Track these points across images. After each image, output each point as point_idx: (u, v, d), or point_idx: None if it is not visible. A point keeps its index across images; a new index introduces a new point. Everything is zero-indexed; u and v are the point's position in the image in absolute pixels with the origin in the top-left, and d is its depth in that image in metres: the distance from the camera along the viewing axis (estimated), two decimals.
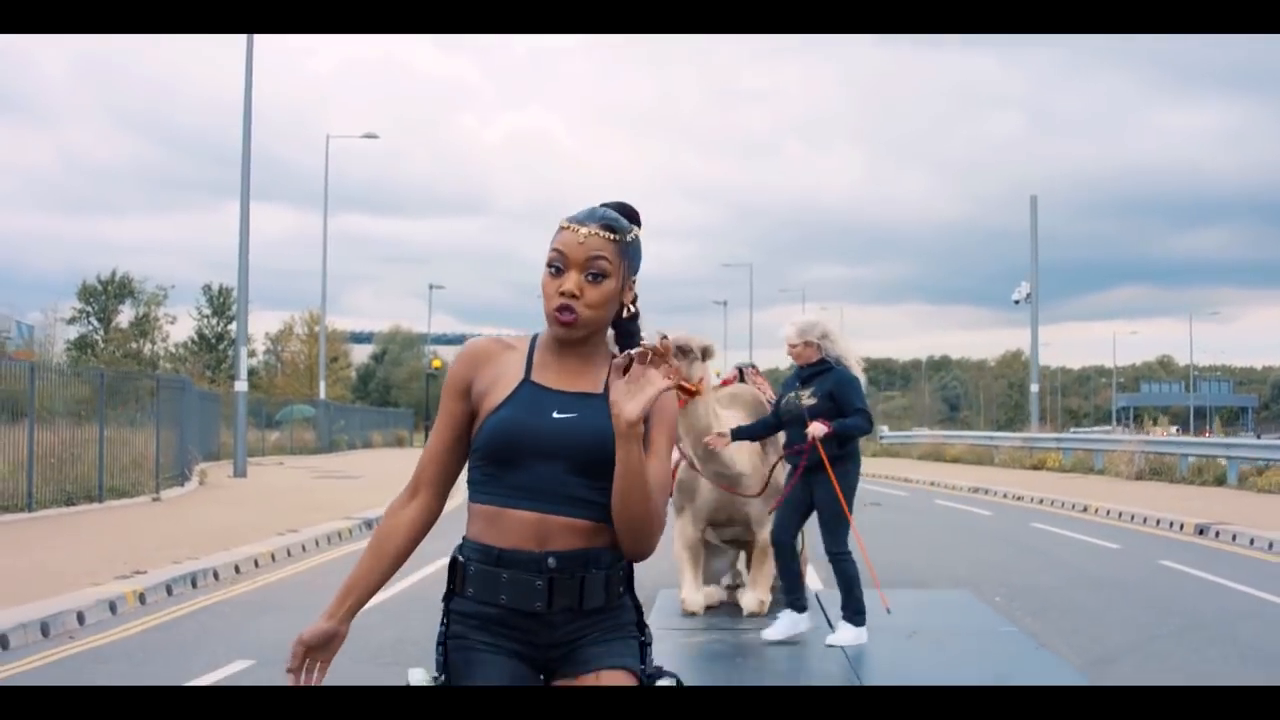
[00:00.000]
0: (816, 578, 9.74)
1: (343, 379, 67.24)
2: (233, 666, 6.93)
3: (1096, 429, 69.16)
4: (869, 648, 7.16)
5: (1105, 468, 26.61)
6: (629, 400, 2.19)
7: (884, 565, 11.69)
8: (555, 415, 2.29)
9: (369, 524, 15.00)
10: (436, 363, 58.70)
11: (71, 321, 54.32)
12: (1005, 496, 21.57)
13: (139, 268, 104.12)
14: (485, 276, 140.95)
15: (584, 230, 2.29)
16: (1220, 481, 21.98)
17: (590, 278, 2.28)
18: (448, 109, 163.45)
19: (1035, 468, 29.34)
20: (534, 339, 2.40)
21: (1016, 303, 40.76)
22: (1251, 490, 20.45)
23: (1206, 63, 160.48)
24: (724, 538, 8.44)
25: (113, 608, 8.61)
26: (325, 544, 13.22)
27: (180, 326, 58.82)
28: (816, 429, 6.99)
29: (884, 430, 49.81)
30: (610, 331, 2.40)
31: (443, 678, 2.32)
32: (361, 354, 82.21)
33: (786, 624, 7.31)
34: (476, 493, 2.34)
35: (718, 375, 9.00)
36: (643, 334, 2.42)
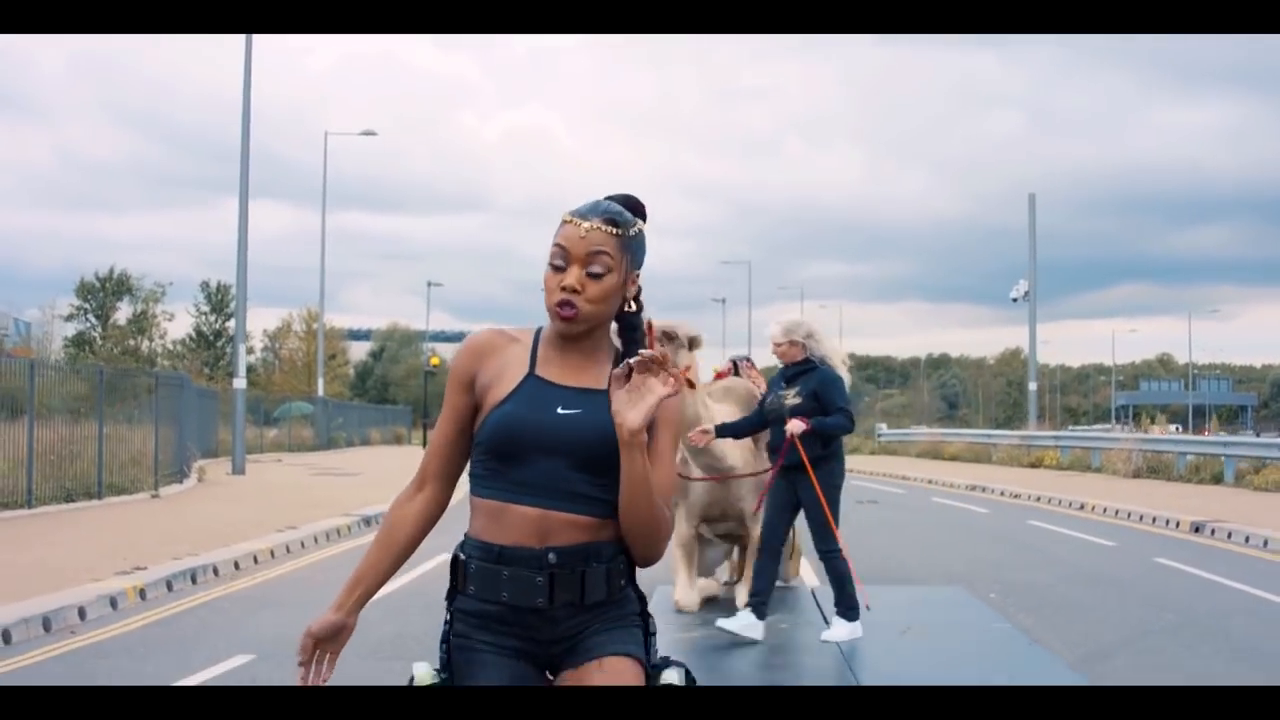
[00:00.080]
0: (812, 573, 9.80)
1: (341, 376, 67.30)
2: (233, 661, 6.99)
3: (1095, 427, 69.25)
4: (863, 643, 7.22)
5: (1103, 466, 26.68)
6: (631, 409, 2.18)
7: (880, 562, 11.76)
8: (559, 411, 2.28)
9: (368, 521, 15.05)
10: (435, 360, 58.70)
11: (69, 319, 54.38)
12: (1002, 494, 21.63)
13: (137, 265, 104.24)
14: (484, 274, 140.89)
15: (586, 225, 2.27)
16: (1217, 480, 22.05)
17: (591, 273, 2.27)
18: (447, 106, 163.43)
19: (1033, 466, 29.42)
20: (538, 332, 2.39)
21: (1015, 301, 40.83)
22: (1248, 488, 20.51)
23: (1206, 62, 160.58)
24: (717, 533, 8.47)
25: (114, 603, 8.66)
26: (324, 540, 13.27)
27: (178, 323, 58.92)
28: (795, 426, 7.04)
29: (882, 428, 49.89)
30: (614, 324, 2.40)
31: (446, 675, 2.33)
32: (359, 351, 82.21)
33: (742, 622, 7.23)
34: (479, 487, 2.33)
35: (714, 371, 9.03)
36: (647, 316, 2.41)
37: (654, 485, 2.24)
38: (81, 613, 8.21)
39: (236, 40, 26.20)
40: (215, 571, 10.43)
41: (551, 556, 2.25)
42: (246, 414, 26.27)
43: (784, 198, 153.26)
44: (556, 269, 2.29)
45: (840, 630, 7.27)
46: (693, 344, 7.59)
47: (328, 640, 2.36)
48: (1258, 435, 57.18)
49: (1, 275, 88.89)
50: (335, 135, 43.11)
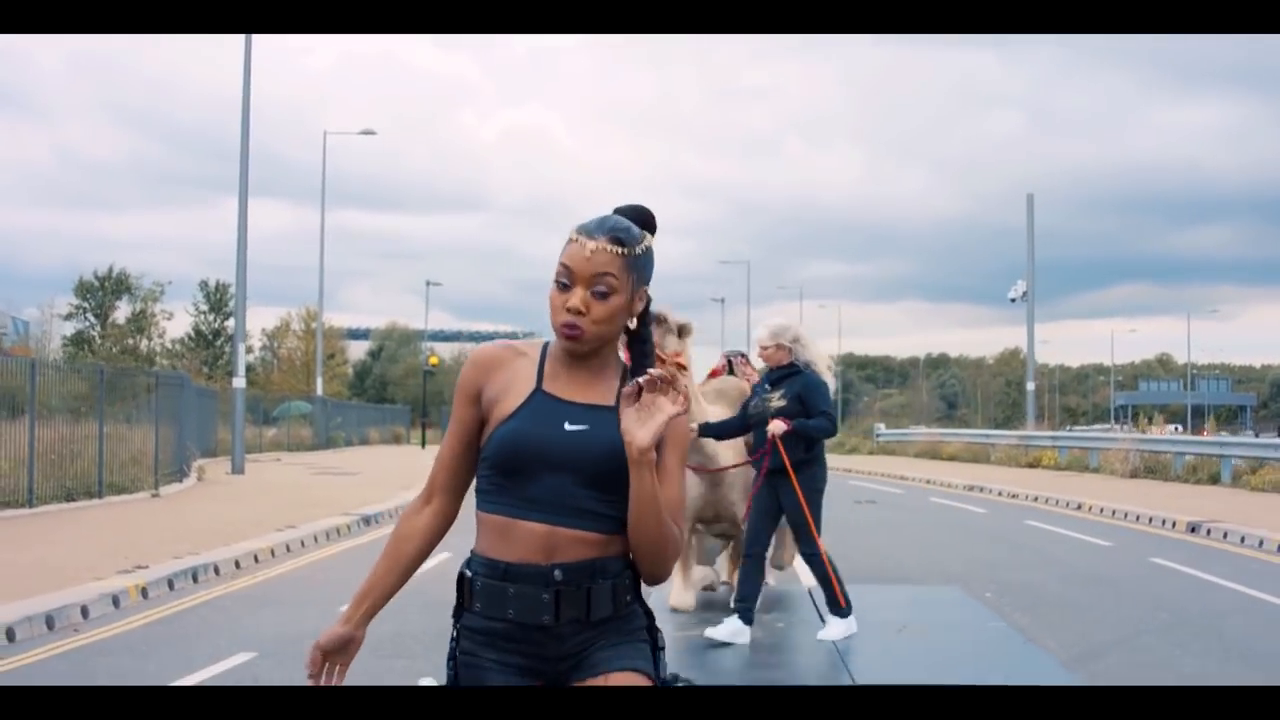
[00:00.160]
0: (807, 569, 9.84)
1: (339, 375, 67.30)
2: (235, 659, 7.04)
3: (1095, 427, 69.30)
4: (859, 643, 7.28)
5: (1100, 466, 26.74)
6: (640, 428, 2.18)
7: (878, 562, 11.83)
8: (567, 427, 2.27)
9: (367, 520, 15.12)
10: (433, 359, 58.77)
11: (68, 318, 54.34)
12: (1000, 494, 21.69)
13: (136, 263, 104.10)
14: (483, 273, 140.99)
15: (591, 245, 2.26)
16: (1214, 480, 22.12)
17: (596, 293, 2.26)
18: (447, 106, 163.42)
19: (1031, 466, 29.47)
20: (545, 346, 2.38)
21: (1013, 301, 40.90)
22: (1245, 489, 20.59)
23: (1206, 62, 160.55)
24: (713, 533, 8.53)
25: (115, 601, 8.72)
26: (324, 540, 13.33)
27: (177, 323, 58.87)
28: (777, 426, 7.10)
29: (880, 428, 49.92)
30: (623, 337, 2.38)
31: None
32: (358, 350, 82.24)
33: (730, 629, 7.30)
34: (485, 502, 2.32)
35: (710, 370, 9.07)
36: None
37: (663, 503, 2.23)
38: (84, 611, 8.28)
39: (236, 40, 26.22)
40: (216, 570, 10.49)
41: (558, 573, 2.25)
42: (245, 413, 26.32)
43: (784, 197, 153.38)
44: (561, 289, 2.27)
45: (835, 628, 7.34)
46: (682, 331, 7.62)
47: (336, 653, 2.37)
48: (1257, 435, 57.27)
49: (0, 273, 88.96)
50: (334, 135, 43.12)
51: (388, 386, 77.01)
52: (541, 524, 2.25)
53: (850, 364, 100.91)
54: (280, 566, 11.26)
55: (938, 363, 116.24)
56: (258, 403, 38.54)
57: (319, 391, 45.05)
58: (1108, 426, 68.28)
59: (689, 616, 8.17)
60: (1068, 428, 59.95)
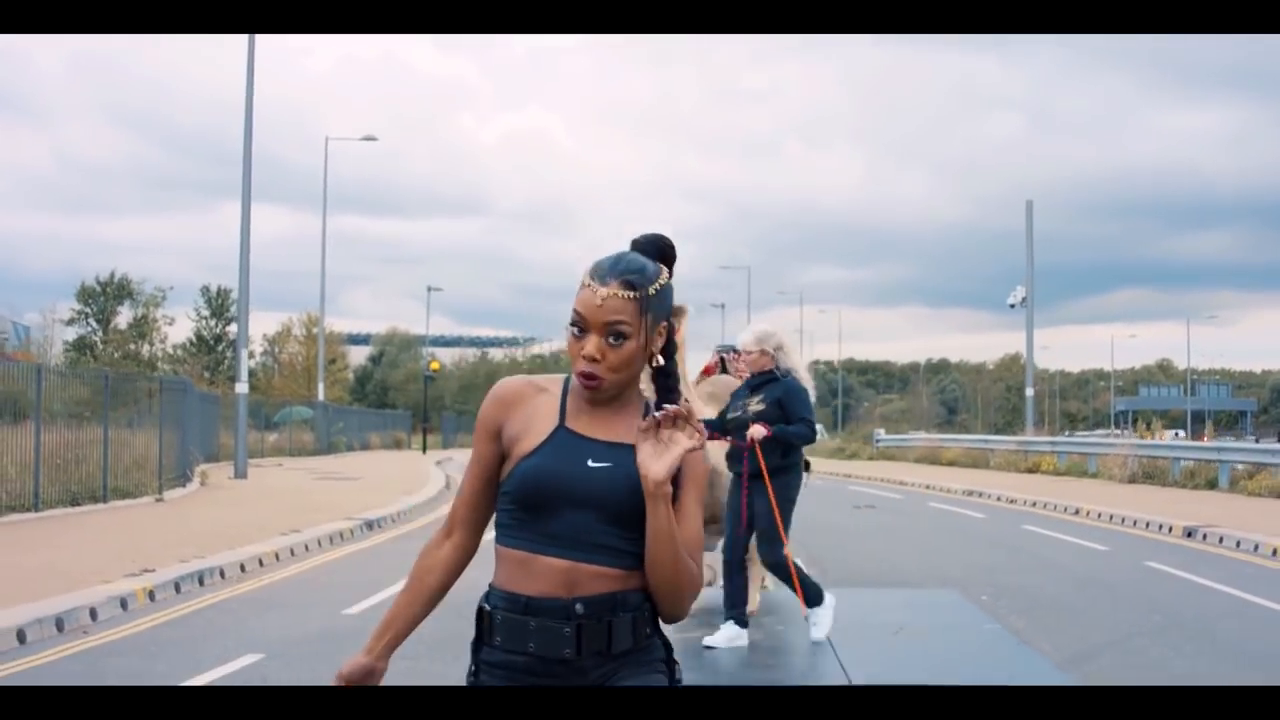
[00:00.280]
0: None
1: (340, 381, 67.40)
2: (242, 660, 7.16)
3: (1095, 433, 69.36)
4: (855, 643, 7.40)
5: (1099, 471, 26.83)
6: (656, 461, 2.18)
7: (877, 566, 11.95)
8: (590, 464, 2.26)
9: (369, 525, 15.23)
10: (434, 364, 58.89)
11: (70, 323, 54.51)
12: (999, 499, 21.77)
13: (136, 268, 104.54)
14: (483, 278, 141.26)
15: (603, 291, 2.24)
16: (1212, 485, 22.20)
17: (611, 340, 2.25)
18: (446, 108, 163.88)
19: (1030, 471, 29.56)
20: (566, 381, 2.36)
21: (1012, 306, 40.97)
22: (1242, 494, 20.69)
23: (1206, 63, 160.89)
24: (710, 534, 8.62)
25: (124, 604, 8.83)
26: (327, 544, 13.43)
27: (178, 328, 59.04)
28: (756, 430, 7.16)
29: (880, 433, 50.00)
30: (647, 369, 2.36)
31: None
32: (359, 355, 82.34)
33: (727, 634, 7.41)
34: (505, 536, 2.31)
35: (704, 366, 9.17)
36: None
37: (680, 541, 2.23)
38: (93, 613, 8.39)
39: (236, 41, 26.41)
40: (222, 574, 10.60)
41: (579, 607, 2.24)
42: (248, 418, 26.42)
43: (784, 200, 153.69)
44: (577, 335, 2.27)
45: (822, 623, 7.40)
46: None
47: (358, 682, 2.39)
48: (1257, 441, 57.28)
49: (0, 278, 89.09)
50: (336, 140, 43.27)
51: (388, 391, 77.09)
52: (562, 559, 2.25)
53: (850, 369, 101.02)
54: (285, 570, 11.37)
55: (938, 368, 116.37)
56: (259, 408, 38.61)
57: (320, 396, 45.19)
58: (1108, 432, 68.35)
59: (688, 619, 8.25)
60: (1068, 433, 60.06)
